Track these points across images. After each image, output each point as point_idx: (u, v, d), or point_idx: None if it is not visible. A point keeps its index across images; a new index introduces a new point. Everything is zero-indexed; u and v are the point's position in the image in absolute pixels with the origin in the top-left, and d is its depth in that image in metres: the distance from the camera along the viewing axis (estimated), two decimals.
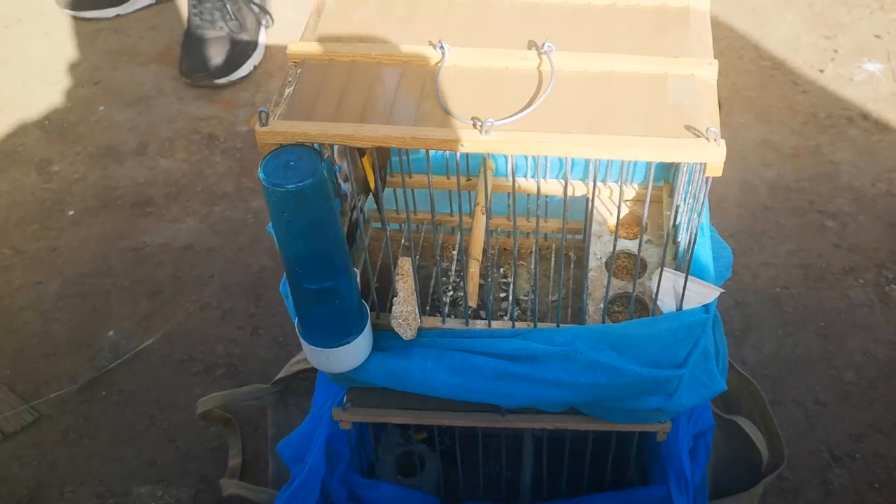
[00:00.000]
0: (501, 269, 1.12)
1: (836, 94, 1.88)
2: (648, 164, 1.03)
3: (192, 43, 2.01)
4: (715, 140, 0.72)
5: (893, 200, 1.68)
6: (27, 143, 1.90)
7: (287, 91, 0.81)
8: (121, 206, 1.77)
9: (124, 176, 1.83)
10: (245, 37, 2.03)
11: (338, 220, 0.81)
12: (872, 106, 1.85)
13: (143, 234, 1.71)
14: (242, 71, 2.02)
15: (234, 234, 1.70)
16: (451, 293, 1.06)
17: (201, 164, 1.85)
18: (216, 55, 1.99)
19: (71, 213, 1.76)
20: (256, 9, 2.07)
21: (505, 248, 1.15)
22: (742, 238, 1.65)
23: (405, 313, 0.92)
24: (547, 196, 1.08)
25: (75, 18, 2.20)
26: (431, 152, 0.91)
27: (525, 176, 1.08)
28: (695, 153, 0.73)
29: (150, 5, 2.23)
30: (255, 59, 2.05)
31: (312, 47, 0.85)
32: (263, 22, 2.10)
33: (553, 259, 1.11)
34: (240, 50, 2.02)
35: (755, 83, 1.92)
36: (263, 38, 2.09)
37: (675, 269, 0.91)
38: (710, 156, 0.73)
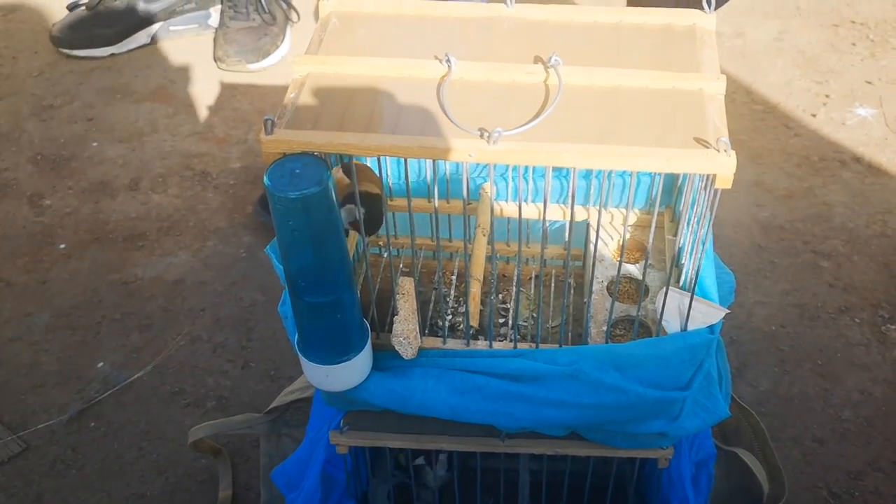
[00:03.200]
0: (500, 296, 1.11)
1: (828, 137, 1.90)
2: (651, 185, 1.03)
3: (227, 32, 2.14)
4: (725, 151, 0.72)
5: (887, 242, 1.68)
6: (19, 177, 1.89)
7: (292, 101, 0.81)
8: (112, 240, 1.75)
9: (116, 210, 1.82)
10: (275, 29, 2.17)
11: (341, 232, 0.80)
12: (865, 149, 1.86)
13: (134, 267, 1.70)
14: (272, 59, 2.16)
15: (226, 269, 1.69)
16: (449, 318, 1.05)
17: (194, 199, 1.84)
18: (249, 42, 2.13)
19: (62, 246, 1.74)
20: (285, 5, 2.22)
21: (503, 275, 1.14)
22: (736, 277, 1.64)
23: (406, 332, 0.91)
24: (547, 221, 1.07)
25: (69, 57, 2.20)
26: (431, 176, 0.91)
27: (525, 201, 1.08)
28: (705, 164, 0.73)
29: (144, 45, 2.24)
30: (282, 50, 2.18)
31: (318, 60, 0.85)
32: (291, 17, 2.24)
33: (553, 285, 1.10)
34: (270, 40, 2.15)
35: (747, 126, 1.94)
36: (289, 32, 2.23)
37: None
38: (720, 167, 0.72)
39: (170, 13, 2.22)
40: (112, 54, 2.21)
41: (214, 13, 2.24)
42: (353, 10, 0.92)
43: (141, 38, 2.23)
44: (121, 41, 2.21)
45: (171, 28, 2.24)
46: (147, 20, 2.21)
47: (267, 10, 2.16)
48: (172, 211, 1.81)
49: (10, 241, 1.75)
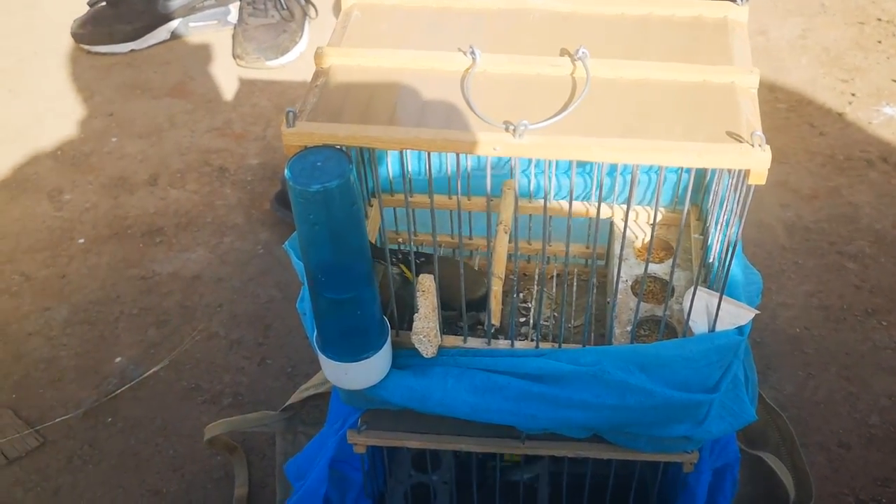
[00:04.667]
0: (521, 294, 1.09)
1: (854, 136, 1.87)
2: (677, 182, 1.01)
3: (246, 29, 2.15)
4: (760, 145, 0.70)
5: None
6: (39, 172, 1.89)
7: (314, 94, 0.80)
8: (131, 236, 1.75)
9: (135, 206, 1.81)
10: (293, 25, 2.16)
11: (363, 228, 0.79)
12: (892, 149, 1.83)
13: (152, 263, 1.69)
14: (291, 56, 2.15)
15: (242, 265, 1.68)
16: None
17: (212, 195, 1.83)
18: (268, 39, 2.13)
19: (81, 241, 1.74)
20: (303, 1, 2.23)
21: (524, 273, 1.12)
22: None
23: (426, 329, 0.89)
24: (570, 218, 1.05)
25: (90, 53, 2.20)
26: (453, 171, 0.89)
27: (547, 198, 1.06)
28: (738, 159, 0.71)
29: (164, 41, 2.24)
30: (301, 46, 2.18)
31: (340, 52, 0.83)
32: (309, 14, 2.24)
33: (575, 285, 1.08)
34: (289, 36, 2.15)
35: (771, 125, 1.90)
36: (308, 29, 2.22)
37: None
38: (755, 161, 0.70)
39: (189, 9, 2.22)
40: (132, 50, 2.21)
41: (233, 9, 2.23)
42: (375, 2, 0.90)
43: (161, 34, 2.22)
44: (141, 37, 2.21)
45: (191, 24, 2.24)
46: (167, 16, 2.21)
47: (285, 7, 2.16)
48: (190, 207, 1.80)
49: (29, 235, 1.75)
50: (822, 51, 2.09)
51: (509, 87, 0.79)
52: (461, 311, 0.91)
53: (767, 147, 0.71)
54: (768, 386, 1.44)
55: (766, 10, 2.21)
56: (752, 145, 0.71)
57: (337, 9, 2.29)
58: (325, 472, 1.01)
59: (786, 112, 1.95)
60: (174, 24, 2.22)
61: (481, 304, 0.96)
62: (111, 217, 1.78)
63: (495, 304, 0.92)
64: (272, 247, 1.71)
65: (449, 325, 0.97)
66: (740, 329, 0.86)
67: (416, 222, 1.07)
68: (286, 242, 1.00)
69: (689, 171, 0.94)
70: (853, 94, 1.97)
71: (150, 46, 2.22)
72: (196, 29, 2.25)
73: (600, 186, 0.81)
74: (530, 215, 1.07)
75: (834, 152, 1.85)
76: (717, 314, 0.85)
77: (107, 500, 1.33)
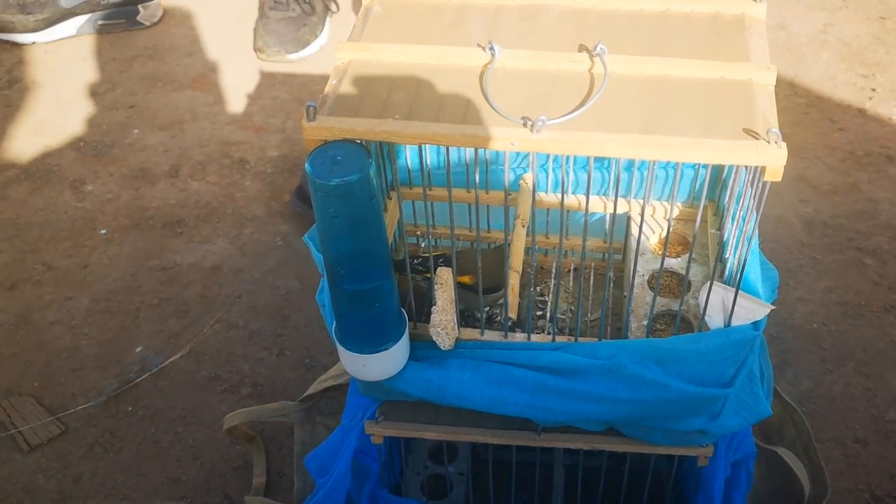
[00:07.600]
0: (538, 288, 1.10)
1: (874, 132, 1.86)
2: (694, 178, 1.02)
3: (267, 22, 2.16)
4: (776, 142, 0.71)
5: None
6: (62, 163, 1.91)
7: (334, 89, 0.80)
8: (152, 227, 1.76)
9: (156, 197, 1.83)
10: (314, 19, 2.18)
11: (382, 221, 0.80)
12: None
13: (172, 253, 1.71)
14: (311, 49, 2.15)
15: (262, 256, 1.70)
16: (487, 308, 1.04)
17: (232, 187, 1.84)
18: (289, 33, 2.14)
19: (103, 231, 1.75)
20: None
21: (541, 267, 1.13)
22: (777, 273, 1.62)
23: (444, 322, 0.90)
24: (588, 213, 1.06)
25: (111, 42, 2.22)
26: (471, 165, 0.89)
27: (564, 192, 1.07)
28: (754, 155, 0.71)
29: (69, 37, 2.23)
30: (321, 40, 2.18)
31: (360, 47, 0.84)
32: (330, 8, 2.24)
33: (592, 279, 1.09)
34: (309, 30, 2.16)
35: (790, 120, 1.91)
36: (328, 23, 2.24)
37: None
38: (771, 158, 0.71)
39: (93, 6, 2.22)
40: (34, 42, 2.21)
41: (142, 9, 2.25)
42: None
43: (66, 29, 2.23)
44: (43, 30, 2.21)
45: (99, 23, 2.24)
46: (70, 12, 2.21)
47: (307, 1, 2.17)
48: (211, 198, 1.82)
49: (52, 225, 1.77)
50: (843, 46, 2.08)
51: (528, 82, 0.80)
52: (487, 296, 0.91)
53: (783, 144, 0.71)
54: (785, 381, 1.45)
55: (786, 5, 2.20)
56: (769, 142, 0.71)
57: (357, 3, 2.30)
58: (349, 467, 1.02)
59: (805, 107, 1.94)
60: (81, 19, 2.23)
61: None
62: (132, 208, 1.80)
63: (512, 297, 0.93)
64: (291, 239, 1.72)
65: (466, 318, 0.98)
66: (756, 324, 0.87)
67: (433, 216, 1.08)
68: (306, 235, 1.02)
69: (705, 166, 0.95)
70: (873, 90, 1.96)
71: (55, 41, 2.22)
72: (104, 28, 2.25)
73: (617, 181, 0.82)
74: (548, 209, 1.07)
75: (853, 148, 1.84)
76: (732, 309, 0.86)
77: (127, 487, 1.35)
